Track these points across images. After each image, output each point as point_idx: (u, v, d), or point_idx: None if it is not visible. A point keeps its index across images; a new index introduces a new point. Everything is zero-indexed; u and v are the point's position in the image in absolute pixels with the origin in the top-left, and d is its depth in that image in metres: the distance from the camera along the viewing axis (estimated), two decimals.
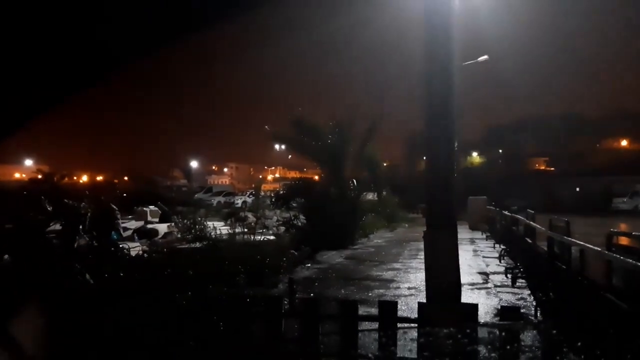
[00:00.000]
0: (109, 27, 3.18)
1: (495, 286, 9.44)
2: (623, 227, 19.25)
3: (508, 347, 3.44)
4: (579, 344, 3.40)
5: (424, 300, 5.71)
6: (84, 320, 4.56)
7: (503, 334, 3.54)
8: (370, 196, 25.35)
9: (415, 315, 3.95)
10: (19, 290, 4.98)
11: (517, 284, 9.41)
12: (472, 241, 18.36)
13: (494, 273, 10.95)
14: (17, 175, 54.94)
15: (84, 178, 62.34)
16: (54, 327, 4.54)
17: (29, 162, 62.72)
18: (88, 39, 3.20)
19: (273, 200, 18.72)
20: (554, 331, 3.68)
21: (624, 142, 60.81)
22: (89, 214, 7.03)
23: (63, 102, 3.85)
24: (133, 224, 17.26)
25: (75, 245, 6.73)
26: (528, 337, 3.87)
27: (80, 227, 6.84)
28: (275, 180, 77.75)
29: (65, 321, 4.57)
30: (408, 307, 7.40)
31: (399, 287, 9.38)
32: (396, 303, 3.96)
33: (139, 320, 4.53)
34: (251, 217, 15.49)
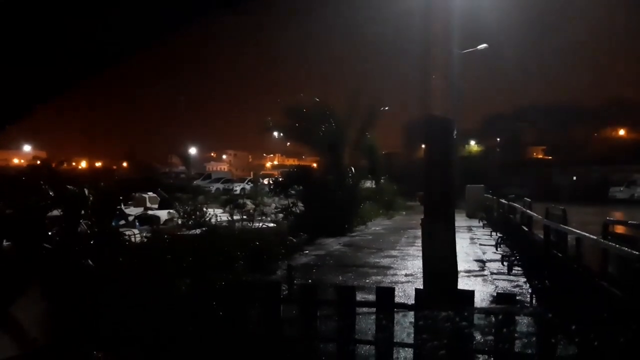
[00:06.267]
0: (109, 14, 3.18)
1: (492, 273, 9.52)
2: (619, 215, 19.35)
3: (503, 331, 3.50)
4: (573, 328, 3.45)
5: (421, 287, 5.77)
6: (85, 303, 4.61)
7: (499, 317, 3.60)
8: (369, 184, 25.39)
9: (412, 301, 3.99)
10: (19, 275, 5.02)
11: (513, 271, 9.49)
12: (469, 229, 18.45)
13: (490, 261, 11.03)
14: (15, 160, 54.89)
15: (83, 164, 62.28)
16: (54, 311, 4.59)
17: (27, 148, 62.67)
18: (88, 24, 3.20)
19: (271, 187, 18.75)
20: (549, 316, 3.73)
21: (621, 132, 60.77)
22: (90, 200, 7.03)
23: (62, 89, 3.86)
24: (132, 210, 17.27)
25: (78, 230, 6.76)
26: (523, 323, 3.93)
27: (82, 212, 6.85)
28: (273, 167, 77.65)
29: (66, 305, 4.62)
30: (405, 293, 7.47)
31: (396, 274, 9.45)
32: (393, 289, 4.01)
33: (137, 304, 4.58)
34: (250, 204, 15.55)
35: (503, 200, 15.87)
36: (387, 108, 21.05)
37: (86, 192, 7.13)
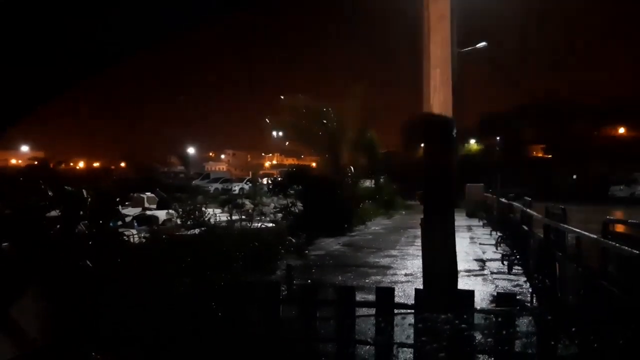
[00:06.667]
0: (108, 14, 3.16)
1: (492, 273, 9.52)
2: (619, 214, 19.36)
3: (503, 332, 3.48)
4: (573, 328, 3.44)
5: (421, 287, 5.75)
6: (84, 303, 4.59)
7: (499, 319, 3.58)
8: (368, 183, 25.41)
9: (412, 301, 3.98)
10: (18, 275, 5.00)
11: (514, 270, 9.49)
12: (469, 228, 18.45)
13: (490, 260, 11.02)
14: (13, 161, 54.88)
15: (81, 164, 62.29)
16: (54, 311, 4.58)
17: (25, 149, 62.65)
18: (87, 25, 3.18)
19: (270, 187, 18.74)
20: (548, 317, 3.72)
21: (621, 130, 60.77)
22: (89, 200, 7.01)
23: (62, 89, 3.84)
24: (131, 211, 17.23)
25: (76, 231, 6.73)
26: (523, 323, 3.92)
27: (81, 213, 6.83)
28: (272, 167, 77.67)
29: (65, 305, 4.60)
30: (405, 293, 7.46)
31: (395, 274, 9.44)
32: (393, 289, 3.99)
33: (137, 304, 4.56)
34: (248, 204, 15.53)
35: (503, 199, 15.86)
36: (387, 104, 21.05)
37: (85, 193, 7.11)
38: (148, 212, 17.36)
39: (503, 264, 10.16)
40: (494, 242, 13.50)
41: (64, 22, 3.03)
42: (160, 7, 3.26)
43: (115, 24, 3.22)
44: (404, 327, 4.09)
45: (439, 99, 5.56)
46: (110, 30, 3.25)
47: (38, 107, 3.92)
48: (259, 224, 13.38)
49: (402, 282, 8.61)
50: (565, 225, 6.75)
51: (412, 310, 3.91)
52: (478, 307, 3.95)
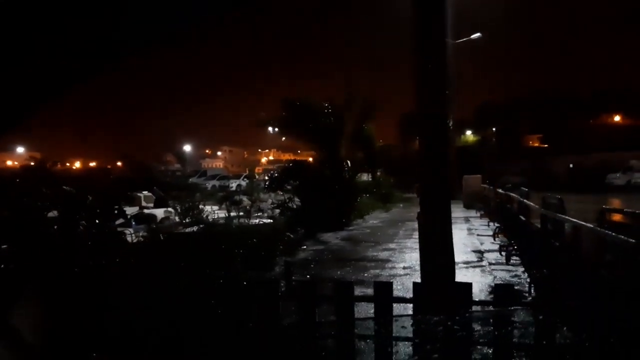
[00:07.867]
0: (107, 14, 3.15)
1: (490, 264, 9.54)
2: (616, 203, 19.41)
3: (502, 324, 3.50)
4: (571, 318, 3.46)
5: (419, 280, 5.77)
6: (83, 304, 4.60)
7: (497, 310, 3.60)
8: (365, 177, 25.40)
9: (410, 294, 4.00)
10: (18, 277, 5.00)
11: (512, 261, 9.51)
12: (466, 220, 18.47)
13: (488, 251, 11.05)
14: (9, 162, 54.72)
15: (77, 164, 62.16)
16: (53, 315, 4.58)
17: (20, 150, 62.43)
18: (84, 26, 3.18)
19: (267, 183, 18.73)
20: (546, 309, 3.74)
21: (617, 118, 60.83)
22: (88, 200, 7.01)
23: (54, 89, 3.83)
24: (128, 210, 17.21)
25: (78, 231, 6.74)
26: (522, 312, 3.94)
27: (83, 213, 6.83)
28: (269, 162, 77.68)
29: (65, 307, 4.60)
30: (404, 286, 7.49)
31: (394, 267, 9.46)
32: (391, 284, 4.01)
33: (136, 304, 4.57)
34: (246, 201, 15.55)
35: (500, 190, 15.89)
36: (383, 97, 21.03)
37: (82, 192, 7.11)
38: (146, 211, 17.36)
39: (501, 254, 10.19)
40: (491, 233, 13.52)
41: (63, 22, 3.03)
42: (160, 5, 3.26)
43: (114, 24, 3.22)
44: (403, 321, 4.11)
45: (432, 91, 5.56)
46: (109, 29, 3.24)
47: (38, 109, 3.91)
48: (257, 221, 13.39)
49: (400, 275, 8.63)
50: (562, 215, 6.77)
51: (411, 304, 3.93)
52: (476, 299, 3.96)
